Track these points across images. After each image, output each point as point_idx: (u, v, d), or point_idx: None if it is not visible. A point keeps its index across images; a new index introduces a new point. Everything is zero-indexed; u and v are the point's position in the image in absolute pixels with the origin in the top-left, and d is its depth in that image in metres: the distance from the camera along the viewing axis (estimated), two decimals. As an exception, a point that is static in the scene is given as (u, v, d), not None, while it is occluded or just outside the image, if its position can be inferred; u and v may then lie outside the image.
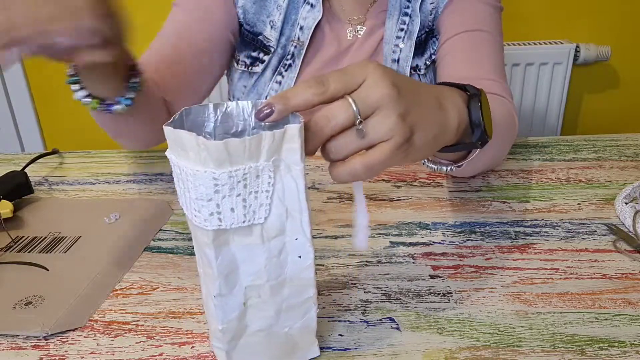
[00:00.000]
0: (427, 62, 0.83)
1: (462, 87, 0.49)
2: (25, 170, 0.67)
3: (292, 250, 0.37)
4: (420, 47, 0.82)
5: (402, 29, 0.81)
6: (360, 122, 0.38)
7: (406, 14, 0.80)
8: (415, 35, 0.80)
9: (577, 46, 1.52)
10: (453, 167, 0.54)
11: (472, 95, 0.47)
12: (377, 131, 0.39)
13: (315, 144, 0.38)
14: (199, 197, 0.34)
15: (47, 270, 0.52)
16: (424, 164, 0.55)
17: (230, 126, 0.40)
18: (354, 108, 0.38)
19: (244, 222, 0.35)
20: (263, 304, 0.38)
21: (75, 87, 0.56)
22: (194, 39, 0.80)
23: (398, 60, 0.81)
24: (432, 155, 0.54)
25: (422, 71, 0.83)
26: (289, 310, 0.39)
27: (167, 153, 0.36)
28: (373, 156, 0.39)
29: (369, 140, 0.39)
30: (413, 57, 0.81)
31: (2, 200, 0.61)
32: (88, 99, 0.56)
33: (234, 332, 0.38)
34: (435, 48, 0.83)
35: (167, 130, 0.35)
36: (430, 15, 0.81)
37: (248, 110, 0.40)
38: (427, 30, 0.82)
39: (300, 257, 0.38)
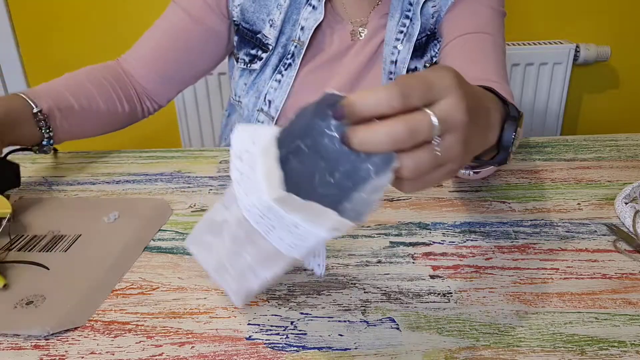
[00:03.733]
0: (427, 65, 0.83)
1: (504, 101, 0.47)
2: (8, 158, 0.66)
3: None
4: (420, 50, 0.83)
5: (401, 31, 0.81)
6: (438, 143, 0.36)
7: (407, 17, 0.81)
8: (415, 38, 0.81)
9: (577, 46, 1.52)
10: (471, 172, 0.53)
11: (512, 117, 0.46)
12: (448, 154, 0.37)
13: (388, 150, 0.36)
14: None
15: (48, 269, 0.52)
16: None
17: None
18: (437, 128, 0.35)
19: None
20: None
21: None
22: (181, 40, 0.84)
23: (396, 62, 0.81)
24: None
25: None
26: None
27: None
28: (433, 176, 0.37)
29: (440, 160, 0.37)
30: (412, 59, 0.81)
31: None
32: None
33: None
34: (436, 50, 0.83)
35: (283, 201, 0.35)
36: (432, 18, 0.81)
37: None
38: (428, 33, 0.82)
39: None
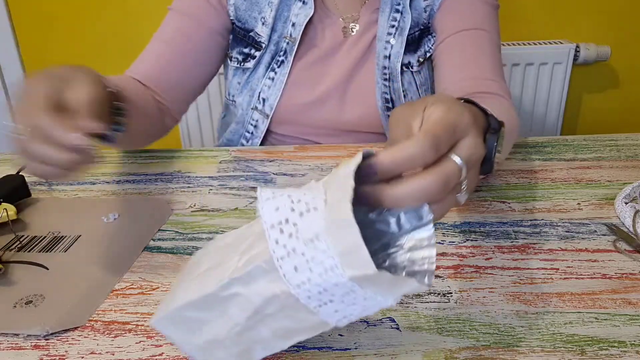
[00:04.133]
0: (421, 59, 0.83)
1: (484, 111, 0.47)
2: (22, 173, 0.67)
3: None
4: (414, 44, 0.83)
5: (393, 26, 0.81)
6: (465, 184, 0.37)
7: (397, 11, 0.81)
8: (407, 32, 0.81)
9: (577, 46, 1.52)
10: None
11: (493, 129, 0.46)
12: (470, 187, 0.38)
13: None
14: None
15: (47, 269, 0.52)
16: None
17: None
18: (464, 171, 0.36)
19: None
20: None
21: None
22: (187, 44, 0.83)
23: (389, 57, 0.81)
24: None
25: (415, 68, 0.83)
26: None
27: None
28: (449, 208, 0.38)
29: (463, 196, 0.38)
30: (405, 54, 0.81)
31: (4, 203, 0.60)
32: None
33: None
34: (430, 45, 0.83)
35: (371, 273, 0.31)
36: (425, 12, 0.82)
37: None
38: (421, 27, 0.82)
39: None
